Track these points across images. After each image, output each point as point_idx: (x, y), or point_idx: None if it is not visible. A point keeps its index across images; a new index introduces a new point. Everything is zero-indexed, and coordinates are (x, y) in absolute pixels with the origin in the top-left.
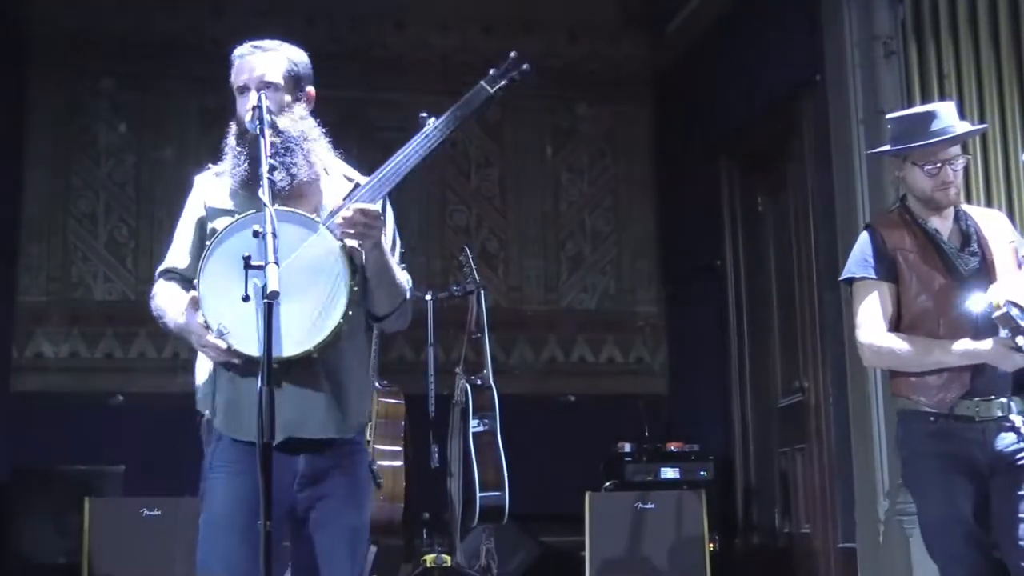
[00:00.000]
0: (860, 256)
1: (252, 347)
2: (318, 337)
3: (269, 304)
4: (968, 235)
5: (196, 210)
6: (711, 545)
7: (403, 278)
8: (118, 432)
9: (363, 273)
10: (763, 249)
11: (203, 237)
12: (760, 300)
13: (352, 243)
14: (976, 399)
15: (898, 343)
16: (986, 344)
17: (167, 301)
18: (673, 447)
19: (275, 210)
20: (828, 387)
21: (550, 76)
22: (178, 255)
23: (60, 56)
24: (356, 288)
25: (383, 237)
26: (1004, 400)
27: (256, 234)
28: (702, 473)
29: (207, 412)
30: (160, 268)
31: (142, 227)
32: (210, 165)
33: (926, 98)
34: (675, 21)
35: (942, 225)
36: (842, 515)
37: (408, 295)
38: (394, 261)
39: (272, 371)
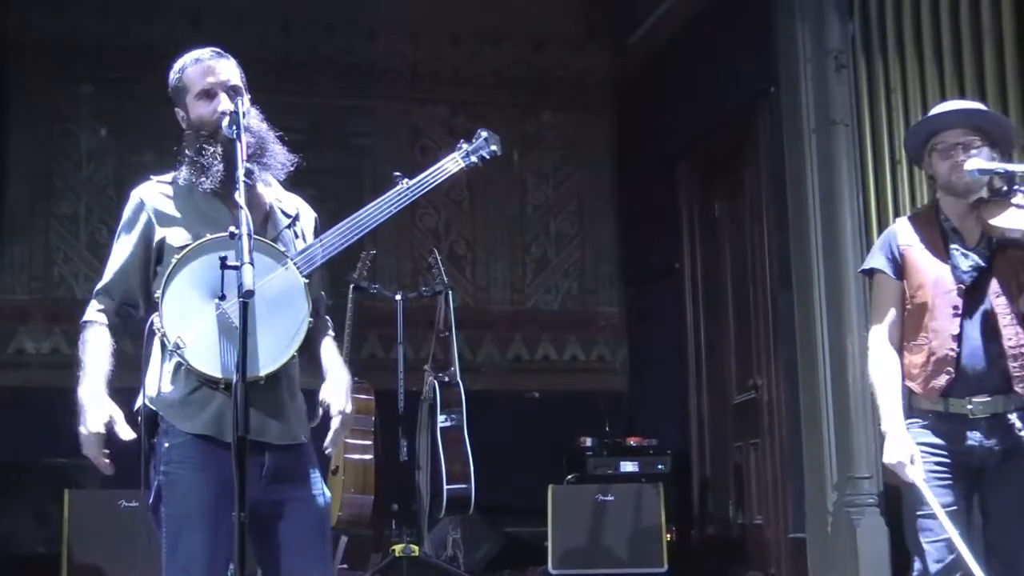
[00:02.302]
0: (874, 249)
1: (208, 366)
2: (272, 366)
3: (245, 303)
4: (981, 235)
5: (142, 223)
6: (668, 535)
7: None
8: None
9: (315, 308)
10: (720, 253)
11: (148, 252)
12: (716, 302)
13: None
14: (969, 397)
15: (875, 365)
16: (896, 446)
17: (92, 351)
18: (633, 442)
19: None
20: (780, 385)
21: (517, 84)
22: (116, 273)
23: (41, 62)
24: (311, 322)
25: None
26: (999, 398)
27: (233, 235)
28: (660, 467)
29: (160, 408)
30: (99, 286)
31: None
32: (151, 177)
33: (874, 110)
34: (636, 34)
35: (962, 225)
36: (793, 507)
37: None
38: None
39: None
